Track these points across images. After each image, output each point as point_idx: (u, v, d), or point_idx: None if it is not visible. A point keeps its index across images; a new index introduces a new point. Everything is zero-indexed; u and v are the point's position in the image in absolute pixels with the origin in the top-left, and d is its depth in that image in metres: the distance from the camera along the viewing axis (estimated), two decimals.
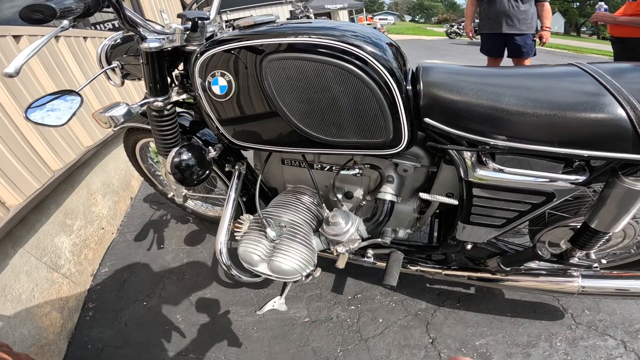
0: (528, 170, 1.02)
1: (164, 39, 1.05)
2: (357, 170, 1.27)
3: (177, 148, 1.23)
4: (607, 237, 1.17)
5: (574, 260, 1.33)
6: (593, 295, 1.32)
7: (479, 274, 1.45)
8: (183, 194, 1.75)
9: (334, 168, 1.38)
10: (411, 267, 1.52)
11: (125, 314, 1.80)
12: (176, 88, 1.25)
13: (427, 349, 1.51)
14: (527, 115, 0.91)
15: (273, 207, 1.42)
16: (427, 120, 1.01)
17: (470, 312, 1.63)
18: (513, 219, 1.15)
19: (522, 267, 1.39)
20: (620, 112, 0.85)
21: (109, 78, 1.32)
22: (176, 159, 1.21)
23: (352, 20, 24.39)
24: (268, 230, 1.30)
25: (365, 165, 1.28)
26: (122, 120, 1.02)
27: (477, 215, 1.17)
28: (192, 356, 1.59)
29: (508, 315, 1.61)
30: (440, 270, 1.50)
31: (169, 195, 1.95)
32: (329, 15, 17.22)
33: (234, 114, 1.14)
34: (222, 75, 1.07)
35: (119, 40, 1.34)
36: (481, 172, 1.05)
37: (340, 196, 1.40)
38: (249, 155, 1.59)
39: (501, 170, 1.03)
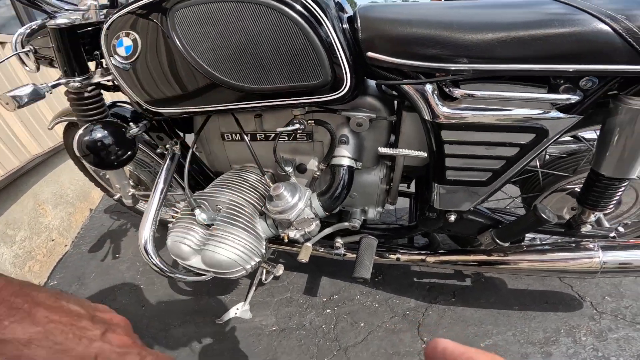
0: (506, 93, 0.77)
1: (77, 15, 0.92)
2: (297, 126, 0.96)
3: (87, 125, 0.98)
4: (623, 187, 0.89)
5: (586, 229, 1.00)
6: (618, 272, 0.99)
7: (471, 257, 1.11)
8: (130, 193, 1.41)
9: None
10: (389, 256, 1.18)
11: None
12: (100, 70, 1.01)
13: (421, 356, 1.16)
14: (489, 33, 0.72)
15: (210, 187, 1.10)
16: (370, 54, 0.80)
17: (470, 308, 1.28)
18: (500, 170, 0.89)
19: (523, 242, 1.09)
20: (602, 25, 0.68)
21: (24, 64, 1.09)
22: (86, 137, 0.97)
23: None
24: (197, 212, 1.00)
25: (310, 122, 0.99)
26: (27, 100, 0.90)
27: (454, 169, 0.91)
28: None
29: (515, 309, 1.25)
30: (423, 257, 1.15)
31: (116, 197, 1.61)
32: None
33: (144, 75, 0.92)
34: (127, 35, 0.89)
35: (35, 27, 1.09)
36: (445, 109, 0.81)
37: (290, 169, 1.09)
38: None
39: (471, 99, 0.79)
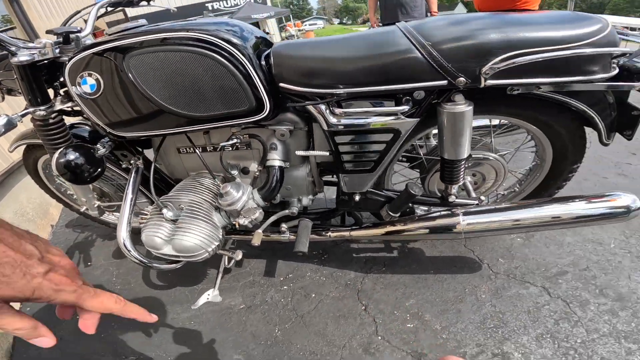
0: (366, 108, 1.12)
1: (35, 52, 1.06)
2: (235, 140, 1.24)
3: (61, 149, 1.17)
4: (461, 165, 1.21)
5: (452, 199, 1.33)
6: (480, 232, 1.27)
7: (379, 229, 1.40)
8: (96, 205, 1.60)
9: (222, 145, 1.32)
10: (324, 234, 1.47)
11: (59, 329, 1.60)
12: (60, 97, 1.20)
13: (362, 316, 1.44)
14: (352, 63, 1.04)
15: (173, 192, 1.36)
16: (281, 85, 1.09)
17: (397, 275, 1.57)
18: (378, 160, 1.22)
19: (414, 214, 1.40)
20: (416, 53, 0.99)
21: None
22: (61, 160, 1.15)
23: (281, 28, 24.29)
24: (165, 211, 1.24)
25: (245, 136, 1.27)
26: (3, 130, 1.03)
27: (348, 162, 1.24)
28: (132, 358, 1.44)
29: (431, 273, 1.56)
30: (348, 232, 1.45)
31: (82, 210, 1.78)
32: (257, 24, 17.33)
33: (107, 107, 1.14)
34: (90, 75, 1.09)
35: None
36: (334, 120, 1.14)
37: (235, 172, 1.34)
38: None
39: (346, 114, 1.13)
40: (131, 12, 10.92)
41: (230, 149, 1.33)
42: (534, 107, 1.15)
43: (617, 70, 0.98)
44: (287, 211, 1.41)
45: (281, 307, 1.53)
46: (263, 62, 1.09)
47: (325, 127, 1.15)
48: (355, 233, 1.44)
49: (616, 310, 1.35)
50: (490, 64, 0.94)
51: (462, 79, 0.97)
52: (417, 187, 1.22)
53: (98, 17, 1.28)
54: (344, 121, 1.13)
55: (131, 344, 1.50)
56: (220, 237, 1.30)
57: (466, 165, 1.24)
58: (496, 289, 1.46)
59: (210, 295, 1.56)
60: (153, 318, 0.54)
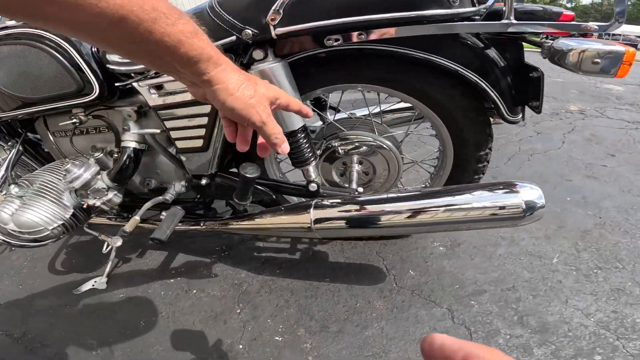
0: None
1: None
2: (75, 120, 1.12)
3: None
4: (299, 139, 0.96)
5: (313, 188, 1.06)
6: (333, 229, 0.97)
7: (232, 222, 1.16)
8: None
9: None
10: (196, 225, 1.25)
11: None
12: None
13: (232, 320, 1.20)
14: None
15: (36, 172, 1.24)
16: (108, 67, 1.00)
17: (288, 279, 1.30)
18: (206, 136, 1.05)
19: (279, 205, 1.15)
20: (206, 16, 0.89)
21: None
22: None
23: None
24: (12, 187, 1.17)
25: (88, 117, 1.15)
26: None
27: (179, 140, 1.08)
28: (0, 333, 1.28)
29: (326, 281, 1.28)
30: (217, 225, 1.20)
31: None
32: None
33: None
34: None
35: None
36: (155, 96, 1.01)
37: (98, 155, 1.20)
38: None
39: (164, 88, 0.99)
40: None
41: (95, 131, 1.21)
42: (398, 69, 0.93)
43: (464, 8, 0.76)
44: (160, 198, 1.22)
45: (158, 300, 1.30)
46: (96, 50, 1.03)
47: (150, 104, 1.02)
48: (208, 224, 1.21)
49: (531, 346, 1.03)
50: (273, 7, 0.78)
51: (248, 30, 0.83)
52: (253, 168, 0.97)
53: None
54: (164, 95, 1.00)
55: (5, 320, 1.33)
56: (67, 217, 1.17)
57: (310, 139, 0.98)
58: (392, 307, 1.16)
59: (97, 282, 1.44)
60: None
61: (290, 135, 0.92)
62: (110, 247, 1.35)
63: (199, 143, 1.06)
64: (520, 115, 0.94)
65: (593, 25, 0.77)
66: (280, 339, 1.10)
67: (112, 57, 0.97)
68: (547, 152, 2.15)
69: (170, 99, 1.00)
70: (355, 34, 0.80)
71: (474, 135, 1.00)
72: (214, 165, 1.11)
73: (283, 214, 1.02)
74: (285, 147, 0.52)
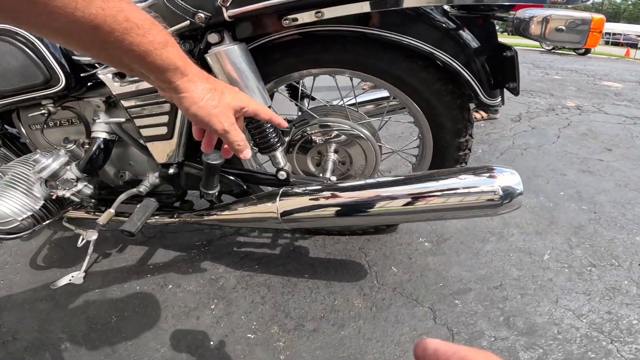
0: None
1: None
2: (43, 111, 1.07)
3: None
4: (259, 122, 0.85)
5: (282, 176, 0.96)
6: (301, 219, 0.87)
7: (203, 212, 1.08)
8: None
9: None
10: (169, 217, 1.16)
11: None
12: None
13: (205, 316, 1.11)
14: None
15: (11, 163, 1.19)
16: (73, 57, 0.97)
17: (266, 275, 1.20)
18: (169, 123, 0.97)
19: (239, 195, 1.09)
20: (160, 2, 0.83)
21: None
22: None
23: None
24: None
25: (57, 108, 1.09)
26: None
27: (143, 128, 1.00)
28: None
29: (305, 277, 1.18)
30: (189, 217, 1.12)
31: None
32: None
33: None
34: None
35: None
36: (119, 85, 0.94)
37: (71, 146, 1.14)
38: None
39: (124, 76, 0.93)
40: None
41: (68, 123, 1.16)
42: (366, 52, 0.85)
43: None
44: (134, 190, 1.14)
45: (132, 295, 1.22)
46: None
47: (114, 93, 0.96)
48: (182, 217, 1.13)
49: (517, 349, 0.92)
50: None
51: (201, 14, 0.78)
52: (216, 154, 0.91)
53: None
54: (125, 84, 0.94)
55: None
56: (37, 208, 1.12)
57: (292, 127, 0.96)
58: (372, 306, 1.06)
59: (75, 277, 1.36)
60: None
61: (253, 121, 0.82)
62: (84, 240, 1.27)
63: (163, 130, 0.99)
64: (500, 99, 0.86)
65: None
66: (253, 336, 1.01)
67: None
68: (542, 147, 2.02)
69: (134, 87, 0.93)
70: (312, 12, 0.72)
71: (451, 121, 0.91)
72: (179, 154, 1.03)
73: (251, 204, 0.93)
74: (247, 153, 0.53)
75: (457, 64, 0.77)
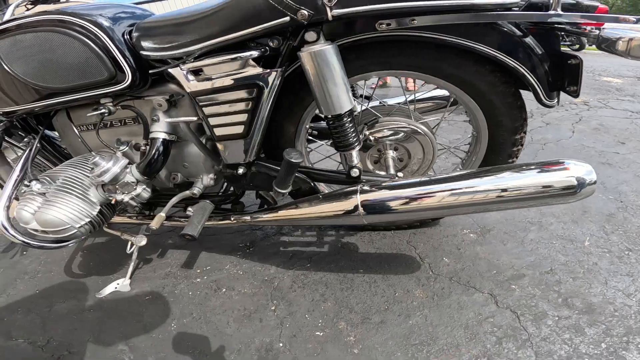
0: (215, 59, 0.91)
1: None
2: (103, 110, 1.05)
3: None
4: (345, 123, 0.96)
5: (355, 174, 1.03)
6: (384, 213, 0.94)
7: (274, 212, 1.11)
8: None
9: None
10: (226, 219, 1.20)
11: None
12: None
13: (268, 317, 1.14)
14: (196, 17, 0.89)
15: (58, 167, 1.17)
16: (142, 53, 0.95)
17: (320, 273, 1.26)
18: (247, 122, 0.99)
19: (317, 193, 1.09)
20: None
21: None
22: None
23: None
24: (32, 183, 1.07)
25: (117, 107, 1.08)
26: None
27: (217, 127, 1.02)
28: (21, 341, 1.22)
29: (360, 272, 1.24)
30: (248, 217, 1.16)
31: None
32: None
33: None
34: None
35: None
36: (193, 81, 0.96)
37: (124, 148, 1.13)
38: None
39: (202, 72, 0.94)
40: None
41: (120, 124, 1.15)
42: (438, 56, 0.92)
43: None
44: (188, 192, 1.16)
45: (186, 301, 1.25)
46: (128, 37, 0.97)
47: (188, 90, 0.97)
48: (255, 217, 1.14)
49: (582, 326, 0.99)
50: None
51: (304, 11, 0.79)
52: (297, 153, 0.94)
53: None
54: (202, 81, 0.95)
55: (25, 327, 1.27)
56: (94, 214, 1.12)
57: (364, 126, 1.00)
58: (433, 295, 1.12)
59: (120, 284, 1.39)
60: None
61: (337, 119, 0.88)
62: (134, 246, 1.30)
63: (239, 129, 1.00)
64: (556, 100, 0.95)
65: (631, 18, 0.79)
66: (321, 333, 1.05)
67: (146, 43, 0.92)
68: (559, 142, 2.14)
69: (210, 84, 0.95)
70: (407, 19, 0.78)
71: (511, 120, 0.99)
72: (253, 153, 1.05)
73: (325, 201, 0.98)
74: None
75: (524, 69, 0.85)
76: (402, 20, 0.78)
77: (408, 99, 1.17)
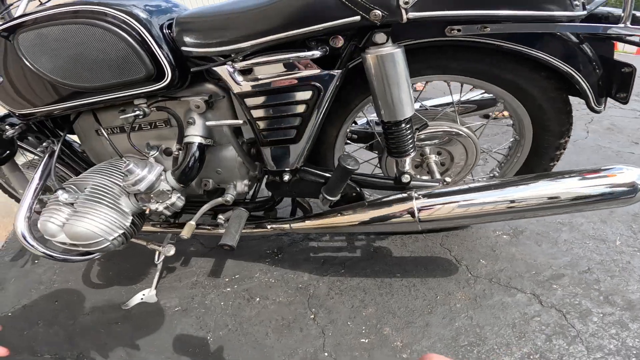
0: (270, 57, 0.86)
1: None
2: (137, 112, 1.00)
3: None
4: (404, 129, 0.94)
5: (406, 179, 1.02)
6: (441, 220, 0.95)
7: (320, 219, 1.09)
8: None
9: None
10: (262, 227, 1.18)
11: None
12: None
13: (309, 326, 1.14)
14: (249, 11, 0.83)
15: (83, 174, 1.11)
16: (183, 49, 0.90)
17: (356, 278, 1.25)
18: (300, 126, 0.96)
19: (363, 200, 1.08)
20: None
21: None
22: None
23: None
24: (59, 192, 1.01)
25: (151, 109, 1.03)
26: None
27: (266, 131, 0.98)
28: (47, 357, 1.19)
29: (397, 277, 1.24)
30: (287, 225, 1.14)
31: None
32: None
33: (9, 91, 1.03)
34: None
35: None
36: (242, 81, 0.91)
37: (154, 153, 1.09)
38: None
39: (254, 72, 0.90)
40: None
41: (150, 127, 1.10)
42: (494, 62, 0.90)
43: (582, 11, 0.75)
44: (220, 199, 1.13)
45: (219, 312, 1.23)
46: (167, 31, 0.93)
47: (235, 91, 0.93)
48: (296, 225, 1.12)
49: (626, 321, 1.01)
50: None
51: (377, 11, 0.75)
52: (353, 160, 0.92)
53: None
54: (252, 81, 0.91)
55: (49, 341, 1.25)
56: (128, 225, 1.06)
57: (415, 131, 0.97)
58: (475, 297, 1.12)
59: (146, 295, 1.37)
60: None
61: (396, 124, 0.89)
62: (162, 256, 1.28)
63: (291, 134, 0.97)
64: (603, 105, 0.96)
65: None
66: (367, 340, 1.05)
67: (189, 38, 0.88)
68: (576, 142, 2.18)
69: (261, 85, 0.91)
70: (479, 26, 0.77)
71: (558, 124, 1.00)
72: (301, 159, 1.02)
73: (376, 208, 0.98)
74: None
75: (579, 75, 0.86)
76: (473, 26, 0.77)
77: (455, 102, 1.17)
